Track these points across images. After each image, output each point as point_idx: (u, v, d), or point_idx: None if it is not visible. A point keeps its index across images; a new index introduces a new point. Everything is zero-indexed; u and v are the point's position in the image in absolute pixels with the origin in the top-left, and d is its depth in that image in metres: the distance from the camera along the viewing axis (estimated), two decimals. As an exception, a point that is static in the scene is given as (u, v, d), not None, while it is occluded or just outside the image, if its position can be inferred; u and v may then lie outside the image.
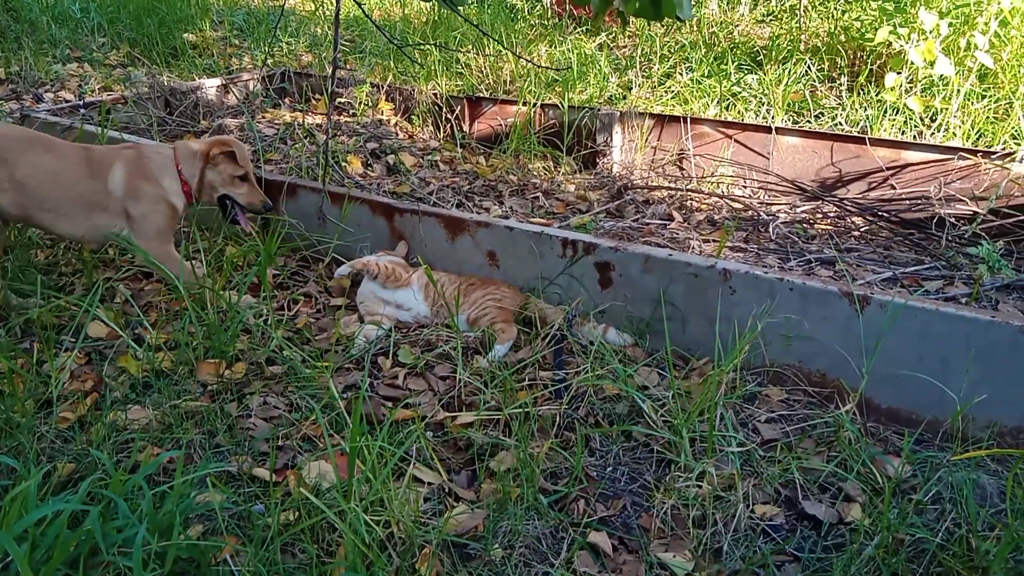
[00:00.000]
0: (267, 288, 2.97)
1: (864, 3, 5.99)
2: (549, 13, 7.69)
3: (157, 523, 1.69)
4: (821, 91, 5.31)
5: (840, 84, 5.36)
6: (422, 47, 5.87)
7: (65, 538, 1.53)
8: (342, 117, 5.03)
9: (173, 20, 7.14)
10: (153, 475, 2.06)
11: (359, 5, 3.18)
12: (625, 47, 6.79)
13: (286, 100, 5.55)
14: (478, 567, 1.89)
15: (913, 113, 4.63)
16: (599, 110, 4.72)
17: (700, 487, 2.14)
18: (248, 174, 3.14)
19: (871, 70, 5.26)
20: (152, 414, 2.34)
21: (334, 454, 2.02)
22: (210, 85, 5.23)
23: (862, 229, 3.78)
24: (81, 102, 4.69)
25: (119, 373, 2.58)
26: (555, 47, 6.42)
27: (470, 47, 6.32)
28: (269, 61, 6.45)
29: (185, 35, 6.97)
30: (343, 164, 4.24)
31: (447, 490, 2.15)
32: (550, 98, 5.12)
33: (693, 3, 6.65)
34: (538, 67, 5.26)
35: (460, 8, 2.41)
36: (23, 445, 2.11)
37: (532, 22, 7.44)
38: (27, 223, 3.00)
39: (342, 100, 5.25)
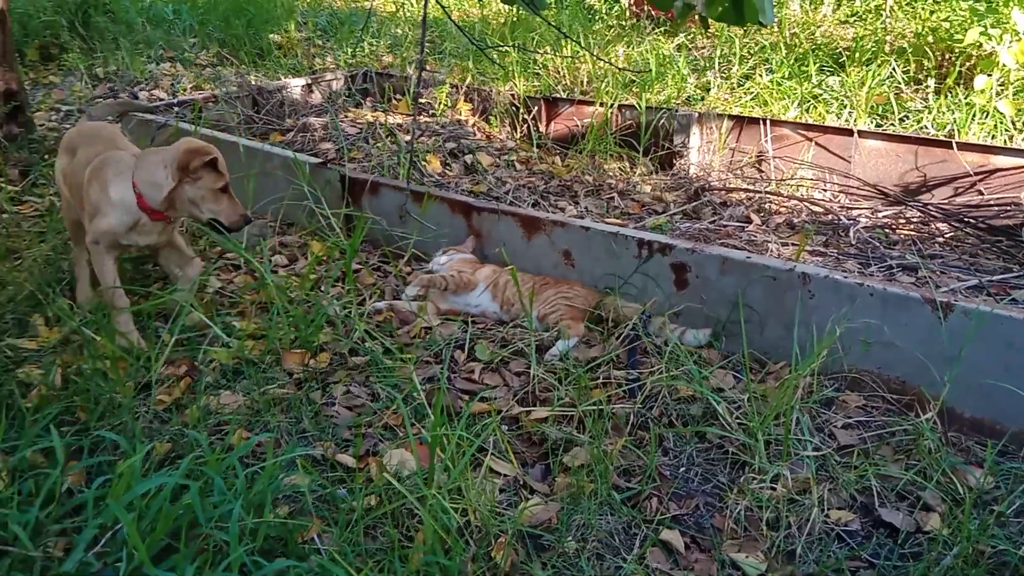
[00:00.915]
0: (351, 281, 3.07)
1: (953, 3, 5.82)
2: (627, 14, 7.70)
3: (249, 501, 1.79)
4: (906, 93, 5.20)
5: (926, 86, 5.24)
6: (501, 48, 5.94)
7: (167, 511, 1.64)
8: (422, 117, 5.13)
9: (260, 21, 7.37)
10: (243, 457, 2.17)
11: (443, 8, 3.26)
12: (704, 48, 6.75)
13: (367, 100, 5.68)
14: (552, 558, 1.94)
15: (1004, 117, 4.50)
16: (676, 111, 4.71)
17: (774, 490, 2.14)
18: (227, 185, 2.75)
19: (960, 72, 5.13)
20: (242, 399, 2.46)
21: (415, 443, 2.09)
22: (295, 84, 5.39)
23: (947, 235, 3.69)
24: (175, 100, 4.90)
25: (210, 360, 2.70)
26: (633, 47, 6.42)
27: (548, 48, 6.37)
28: (352, 61, 6.61)
29: (271, 36, 7.19)
30: (422, 163, 4.34)
31: (522, 482, 2.20)
32: (627, 99, 5.13)
33: (775, 4, 6.57)
34: (616, 68, 5.28)
35: (541, 11, 2.45)
36: (126, 424, 2.24)
37: (610, 23, 7.45)
38: None
39: (422, 100, 5.35)
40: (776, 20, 6.65)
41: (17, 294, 3.02)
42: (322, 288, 3.14)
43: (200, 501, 1.68)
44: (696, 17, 1.84)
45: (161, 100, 5.49)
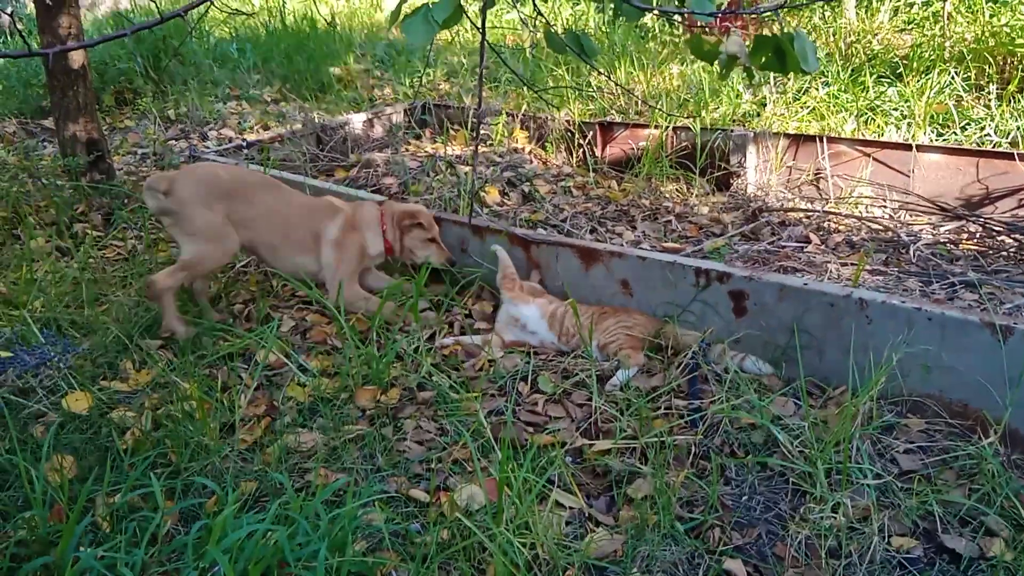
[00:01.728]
0: (417, 319, 3.20)
1: (1015, 6, 5.72)
2: (681, 30, 7.72)
3: (331, 540, 1.91)
4: (967, 101, 5.13)
5: (988, 93, 5.16)
6: (555, 76, 6.03)
7: (260, 552, 1.77)
8: (480, 148, 5.26)
9: (320, 56, 7.61)
10: (323, 494, 2.29)
11: (496, 52, 3.37)
12: (758, 62, 6.73)
13: (426, 131, 5.84)
14: (618, 590, 2.01)
15: (1069, 123, 4.42)
16: (732, 131, 4.74)
17: (835, 518, 2.18)
18: (436, 237, 3.54)
19: (1023, 78, 5.04)
20: (319, 438, 2.59)
21: (483, 479, 2.19)
22: (357, 120, 5.58)
23: (1011, 249, 3.65)
24: (244, 141, 5.12)
25: (288, 398, 2.85)
26: (687, 65, 6.46)
27: (600, 72, 6.44)
28: (409, 92, 6.79)
29: (331, 69, 7.42)
30: (482, 194, 4.46)
31: (587, 515, 2.28)
32: (682, 120, 5.17)
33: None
34: (647, 105, 5.34)
35: (592, 58, 2.54)
36: (213, 464, 2.40)
37: (663, 39, 7.49)
38: (251, 253, 3.55)
39: (480, 132, 5.48)
40: (831, 29, 6.60)
41: (106, 339, 3.22)
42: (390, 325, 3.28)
43: (287, 542, 1.80)
44: (742, 67, 1.91)
45: (230, 140, 5.75)
